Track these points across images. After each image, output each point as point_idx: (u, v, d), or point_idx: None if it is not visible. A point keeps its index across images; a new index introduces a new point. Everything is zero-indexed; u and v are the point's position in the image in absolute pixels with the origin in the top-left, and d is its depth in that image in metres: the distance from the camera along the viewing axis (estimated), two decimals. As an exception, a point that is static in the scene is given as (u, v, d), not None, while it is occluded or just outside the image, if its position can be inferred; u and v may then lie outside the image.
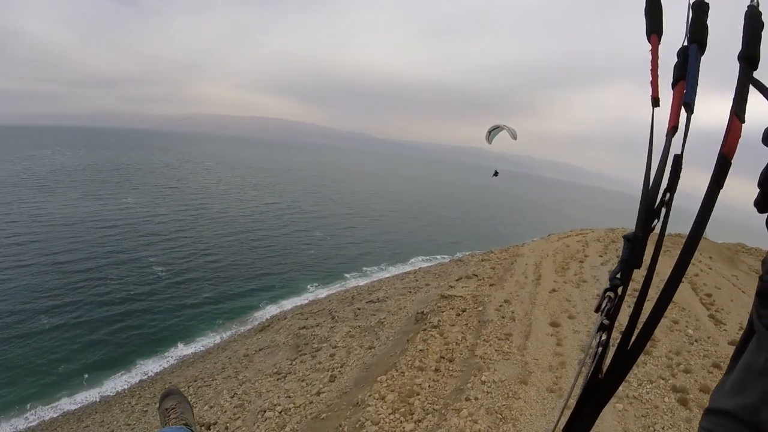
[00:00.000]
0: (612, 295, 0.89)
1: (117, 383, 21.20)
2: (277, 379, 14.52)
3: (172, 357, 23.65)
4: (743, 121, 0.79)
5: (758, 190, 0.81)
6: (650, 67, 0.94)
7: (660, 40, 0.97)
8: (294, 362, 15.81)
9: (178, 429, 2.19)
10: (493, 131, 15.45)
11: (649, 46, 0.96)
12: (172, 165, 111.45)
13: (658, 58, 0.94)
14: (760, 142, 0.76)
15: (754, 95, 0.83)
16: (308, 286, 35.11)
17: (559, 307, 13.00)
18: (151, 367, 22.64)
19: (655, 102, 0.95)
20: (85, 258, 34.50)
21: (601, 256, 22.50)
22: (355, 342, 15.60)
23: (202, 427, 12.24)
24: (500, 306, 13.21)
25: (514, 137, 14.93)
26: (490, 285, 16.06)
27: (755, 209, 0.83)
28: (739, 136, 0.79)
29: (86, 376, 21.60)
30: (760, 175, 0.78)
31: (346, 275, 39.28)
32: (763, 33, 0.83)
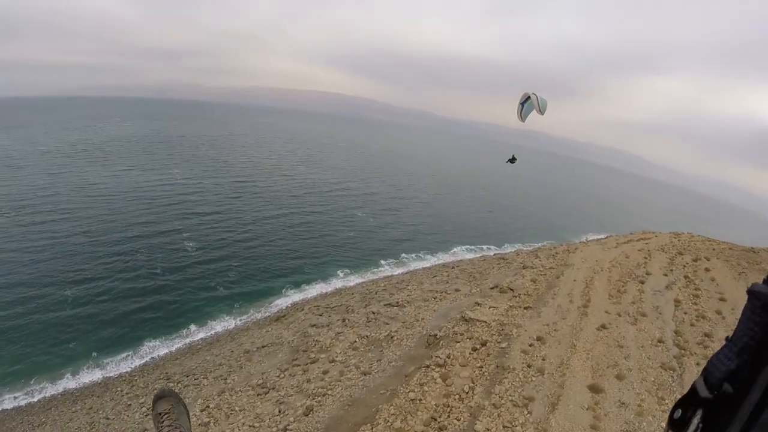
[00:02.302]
0: (709, 398, 0.52)
1: (121, 365, 20.61)
2: (258, 395, 12.63)
3: (181, 341, 22.78)
4: None
5: None
6: None
7: None
8: (283, 374, 13.85)
9: None
10: (526, 103, 12.02)
11: None
12: (225, 138, 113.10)
13: None
14: None
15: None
16: (338, 272, 33.29)
17: (607, 357, 9.94)
18: (158, 350, 21.87)
19: None
20: (119, 233, 34.59)
21: (665, 275, 18.66)
22: (354, 359, 13.33)
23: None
24: (530, 346, 10.34)
25: (542, 110, 11.54)
26: (525, 308, 13.11)
27: None
28: None
29: (95, 354, 21.20)
30: None
31: (382, 262, 37.13)
32: None
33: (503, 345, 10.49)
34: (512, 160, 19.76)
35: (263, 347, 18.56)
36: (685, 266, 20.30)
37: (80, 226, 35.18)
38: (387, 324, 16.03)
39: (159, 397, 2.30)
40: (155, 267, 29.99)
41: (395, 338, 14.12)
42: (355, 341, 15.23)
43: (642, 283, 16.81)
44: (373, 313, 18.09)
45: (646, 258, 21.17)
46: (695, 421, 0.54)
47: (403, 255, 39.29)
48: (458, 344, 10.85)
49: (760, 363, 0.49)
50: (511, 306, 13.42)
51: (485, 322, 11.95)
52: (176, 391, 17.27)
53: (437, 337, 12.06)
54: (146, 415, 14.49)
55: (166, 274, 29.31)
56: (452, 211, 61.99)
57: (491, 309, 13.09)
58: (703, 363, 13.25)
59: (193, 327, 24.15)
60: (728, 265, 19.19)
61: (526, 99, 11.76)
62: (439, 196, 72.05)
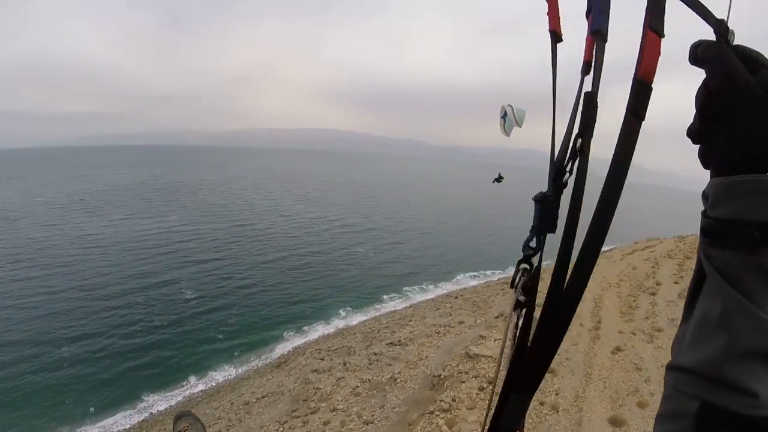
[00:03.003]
0: (527, 266, 0.85)
1: (119, 422, 19.72)
2: (256, 455, 11.73)
3: (181, 394, 21.89)
4: (662, 35, 0.67)
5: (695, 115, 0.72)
6: None
7: None
8: (282, 427, 13.01)
9: None
10: (506, 117, 11.38)
11: None
12: (222, 181, 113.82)
13: None
14: None
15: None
16: (340, 311, 32.29)
17: (626, 383, 9.14)
18: (157, 405, 20.95)
19: (557, 36, 0.80)
20: (116, 285, 33.97)
21: (676, 283, 17.93)
22: (356, 407, 12.45)
23: None
24: (539, 379, 9.57)
25: (519, 122, 10.97)
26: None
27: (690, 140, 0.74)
28: (659, 54, 0.66)
29: (92, 410, 20.40)
30: (696, 97, 0.71)
31: (385, 297, 36.12)
32: None
33: (512, 381, 9.69)
34: (498, 179, 19.15)
35: (263, 397, 17.66)
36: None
37: (76, 279, 34.64)
38: (389, 365, 15.16)
39: (178, 418, 2.46)
40: (153, 319, 29.15)
41: (398, 380, 13.28)
42: (357, 386, 14.35)
43: (653, 294, 16.07)
44: (375, 354, 17.20)
45: (654, 267, 20.49)
46: (517, 277, 0.84)
47: (406, 288, 38.32)
48: (464, 384, 10.06)
49: (543, 233, 0.80)
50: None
51: (491, 357, 11.17)
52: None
53: (441, 377, 11.27)
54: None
55: (164, 325, 28.45)
56: (453, 239, 61.08)
57: (496, 342, 12.30)
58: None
59: (192, 378, 23.24)
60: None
61: (505, 113, 11.24)
62: (440, 225, 71.10)
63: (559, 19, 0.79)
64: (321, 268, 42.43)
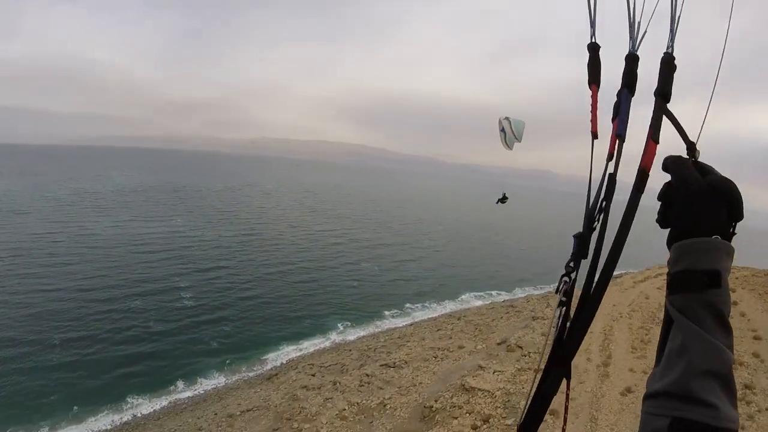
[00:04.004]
0: (567, 279, 1.10)
1: (101, 421, 19.28)
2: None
3: (166, 398, 21.24)
4: (657, 142, 1.02)
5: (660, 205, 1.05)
6: (591, 109, 1.16)
7: (599, 88, 1.18)
8: (262, 451, 12.06)
9: None
10: (505, 131, 10.55)
11: (590, 92, 1.17)
12: (233, 188, 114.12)
13: (597, 102, 1.17)
14: None
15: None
16: (338, 325, 31.34)
17: (635, 431, 8.18)
18: (141, 407, 20.38)
19: (595, 135, 1.15)
20: (114, 286, 33.54)
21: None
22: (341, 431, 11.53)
23: None
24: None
25: (518, 136, 10.24)
26: (536, 371, 11.35)
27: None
28: (654, 154, 1.01)
29: (75, 408, 19.91)
30: (660, 193, 1.05)
31: (386, 313, 35.11)
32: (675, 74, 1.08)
33: (509, 422, 8.74)
34: (503, 199, 18.21)
35: (248, 411, 16.85)
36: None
37: (75, 278, 34.25)
38: (381, 389, 14.21)
39: None
40: (149, 324, 28.52)
41: (388, 407, 12.35)
42: (344, 409, 13.43)
43: (667, 331, 14.97)
44: (367, 375, 16.23)
45: (668, 299, 19.33)
46: (560, 285, 1.07)
47: (408, 305, 37.21)
48: (456, 421, 9.12)
49: (579, 258, 1.07)
50: (519, 369, 11.64)
51: (488, 391, 10.20)
52: None
53: (433, 409, 10.33)
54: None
55: (159, 331, 27.80)
56: (461, 257, 59.66)
57: (496, 374, 11.32)
58: (748, 425, 11.23)
59: (180, 384, 22.65)
60: (755, 294, 17.55)
61: (503, 127, 10.41)
62: (449, 243, 69.63)
63: (596, 124, 1.14)
64: (325, 282, 41.48)
